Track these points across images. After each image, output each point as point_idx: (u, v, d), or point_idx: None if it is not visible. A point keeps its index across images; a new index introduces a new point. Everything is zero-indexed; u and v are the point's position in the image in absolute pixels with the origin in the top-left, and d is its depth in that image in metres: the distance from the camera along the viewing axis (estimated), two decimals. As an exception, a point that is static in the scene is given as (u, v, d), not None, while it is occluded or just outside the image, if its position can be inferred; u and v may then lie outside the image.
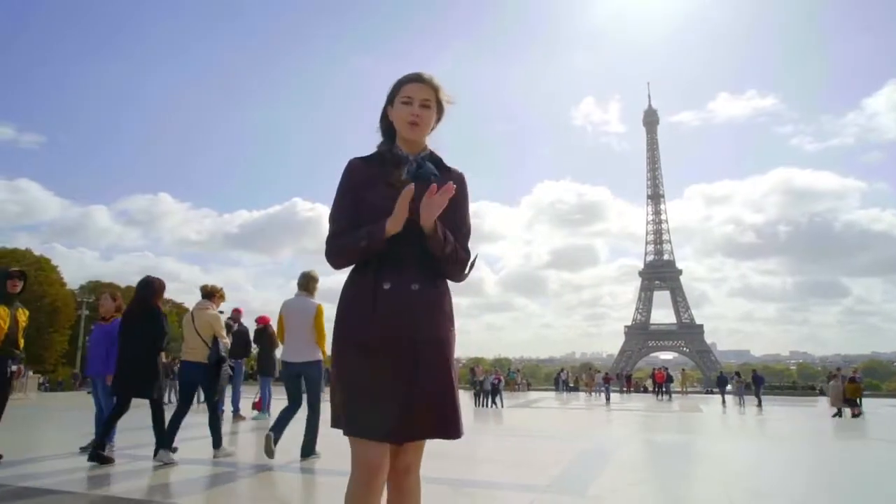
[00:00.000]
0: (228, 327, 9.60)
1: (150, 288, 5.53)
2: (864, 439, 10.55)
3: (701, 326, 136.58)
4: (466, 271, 1.80)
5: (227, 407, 9.65)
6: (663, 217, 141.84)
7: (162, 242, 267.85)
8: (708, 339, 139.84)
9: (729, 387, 27.37)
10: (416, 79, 1.78)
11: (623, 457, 6.57)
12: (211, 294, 6.04)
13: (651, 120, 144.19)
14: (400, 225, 1.64)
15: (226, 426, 8.78)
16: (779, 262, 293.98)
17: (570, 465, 5.71)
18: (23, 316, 5.33)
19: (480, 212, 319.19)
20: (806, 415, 18.03)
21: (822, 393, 33.57)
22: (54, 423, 9.57)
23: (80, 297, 42.39)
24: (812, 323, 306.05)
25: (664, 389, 28.56)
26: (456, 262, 1.74)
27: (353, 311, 1.71)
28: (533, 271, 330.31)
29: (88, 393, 22.30)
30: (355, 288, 1.73)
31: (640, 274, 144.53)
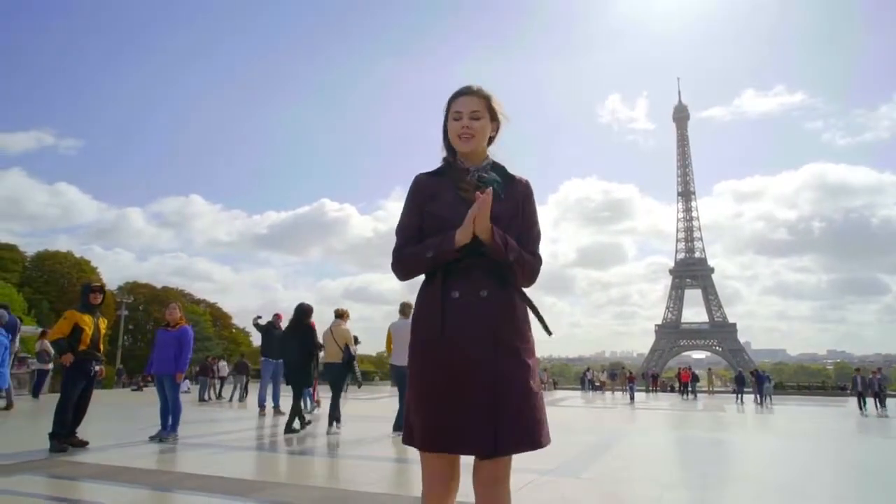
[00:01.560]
0: (268, 329, 10.49)
1: (304, 312, 7.91)
2: (860, 435, 10.89)
3: (734, 325, 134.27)
4: (535, 277, 1.79)
5: (269, 402, 10.53)
6: (694, 214, 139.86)
7: (194, 243, 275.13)
8: (741, 338, 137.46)
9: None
10: (464, 92, 1.81)
11: (624, 448, 7.27)
12: (342, 315, 8.30)
13: (681, 115, 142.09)
14: (469, 236, 1.63)
15: (268, 419, 9.68)
16: (813, 260, 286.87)
17: (576, 453, 6.41)
18: (103, 324, 6.26)
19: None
20: (821, 414, 18.13)
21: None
22: (115, 417, 10.55)
23: (120, 298, 44.07)
24: (850, 321, 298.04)
25: (689, 389, 28.75)
26: (523, 267, 1.73)
27: (424, 323, 1.71)
28: (560, 269, 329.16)
29: (133, 390, 23.65)
30: (425, 299, 1.74)
31: (671, 272, 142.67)
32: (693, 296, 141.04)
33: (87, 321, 6.03)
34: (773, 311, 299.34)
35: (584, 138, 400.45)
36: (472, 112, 1.77)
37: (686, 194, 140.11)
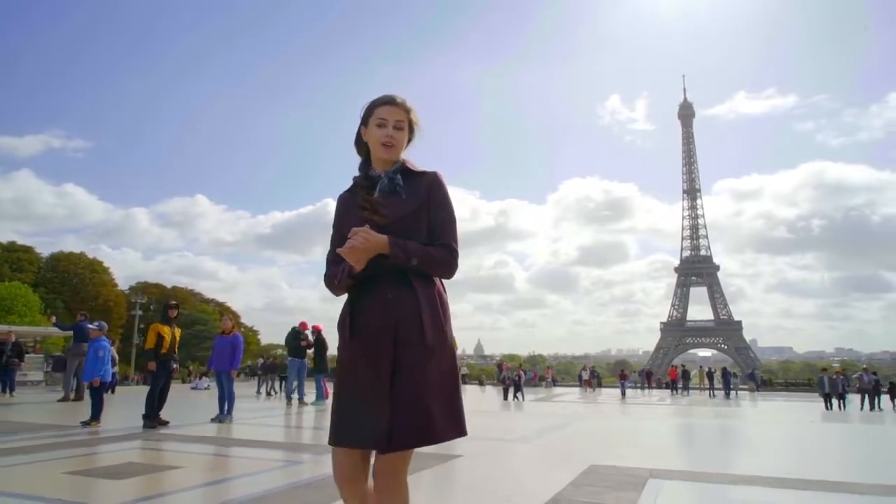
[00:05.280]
0: (297, 335, 12.38)
1: None
2: (784, 422, 12.62)
3: (739, 323, 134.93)
4: (451, 269, 1.83)
5: (294, 395, 12.46)
6: (700, 212, 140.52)
7: (198, 243, 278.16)
8: (748, 336, 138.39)
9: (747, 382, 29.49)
10: (389, 101, 1.88)
11: (577, 426, 9.19)
12: None
13: (686, 113, 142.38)
14: (362, 264, 1.73)
15: (294, 407, 11.61)
16: (815, 257, 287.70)
17: (538, 429, 8.35)
18: (178, 332, 8.23)
19: (507, 210, 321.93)
20: (780, 407, 19.49)
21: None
22: (173, 407, 12.51)
23: (134, 299, 45.05)
24: (855, 319, 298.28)
25: (678, 385, 30.57)
26: (433, 265, 1.79)
27: (340, 327, 1.83)
28: (562, 268, 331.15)
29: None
30: (342, 307, 1.86)
31: (676, 270, 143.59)
32: (698, 293, 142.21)
33: (166, 331, 8.00)
34: (777, 308, 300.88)
35: (585, 139, 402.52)
36: (396, 122, 1.87)
37: (692, 192, 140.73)
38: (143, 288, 54.32)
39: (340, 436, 1.72)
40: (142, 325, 48.34)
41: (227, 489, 4.07)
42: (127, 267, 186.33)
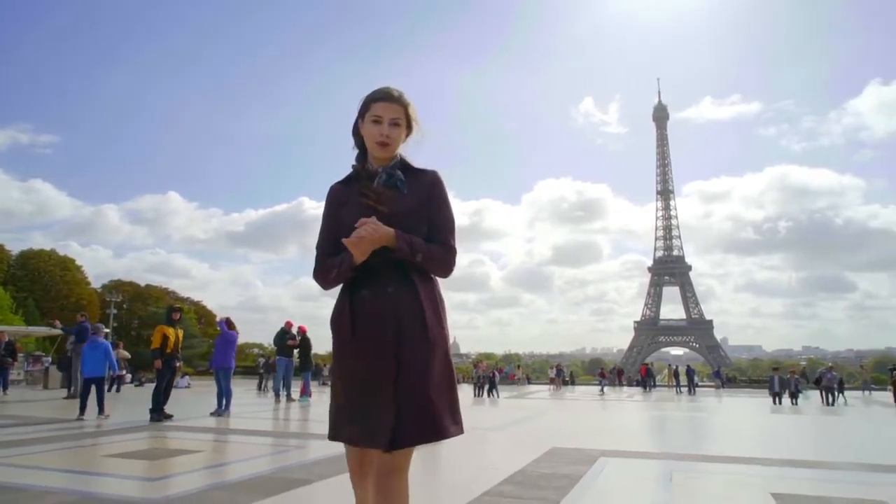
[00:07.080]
0: (284, 334, 13.07)
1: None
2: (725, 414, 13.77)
3: (710, 322, 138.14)
4: (450, 268, 1.83)
5: (281, 392, 13.16)
6: (673, 213, 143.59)
7: (170, 240, 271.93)
8: (718, 335, 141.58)
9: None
10: (385, 97, 1.80)
11: (546, 417, 10.13)
12: None
13: (660, 115, 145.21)
14: (364, 255, 1.68)
15: (282, 403, 12.33)
16: (782, 258, 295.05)
17: (508, 420, 9.25)
18: (181, 334, 8.94)
19: (482, 209, 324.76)
20: (734, 403, 20.74)
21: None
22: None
23: (109, 298, 43.91)
24: (822, 318, 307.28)
25: (647, 383, 31.93)
26: (434, 262, 1.78)
27: (337, 324, 1.78)
28: (536, 267, 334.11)
29: (136, 385, 25.95)
30: (338, 301, 1.81)
31: (650, 269, 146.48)
32: (671, 293, 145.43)
33: (170, 332, 8.71)
34: (747, 308, 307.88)
35: (559, 141, 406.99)
36: (392, 119, 1.79)
37: (665, 193, 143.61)
38: (117, 286, 53.14)
39: (342, 433, 1.72)
40: (115, 324, 47.90)
41: (238, 468, 4.82)
42: (97, 264, 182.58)
